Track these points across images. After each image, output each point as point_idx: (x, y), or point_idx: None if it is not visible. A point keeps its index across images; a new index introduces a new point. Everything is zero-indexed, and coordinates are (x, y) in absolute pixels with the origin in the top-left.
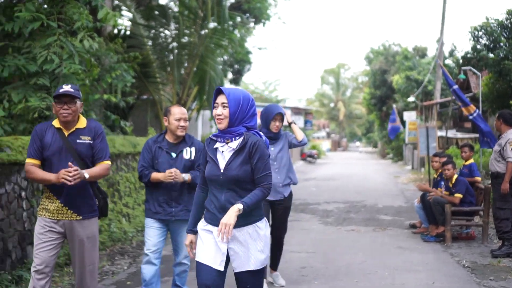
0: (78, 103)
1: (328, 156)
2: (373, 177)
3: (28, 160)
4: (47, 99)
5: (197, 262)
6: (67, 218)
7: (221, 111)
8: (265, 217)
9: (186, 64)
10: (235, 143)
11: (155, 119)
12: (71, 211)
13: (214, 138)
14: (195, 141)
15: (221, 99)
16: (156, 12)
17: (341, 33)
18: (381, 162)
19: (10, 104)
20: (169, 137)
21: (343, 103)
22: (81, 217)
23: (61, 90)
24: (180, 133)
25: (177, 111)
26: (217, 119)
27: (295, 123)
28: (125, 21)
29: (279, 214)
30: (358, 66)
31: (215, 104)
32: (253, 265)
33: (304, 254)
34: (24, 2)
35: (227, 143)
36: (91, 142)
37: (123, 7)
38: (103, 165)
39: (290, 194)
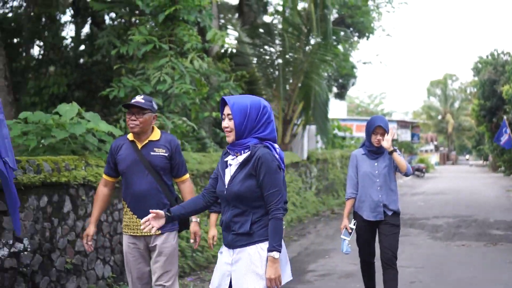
0: (148, 115)
1: (437, 170)
2: (484, 190)
3: (103, 176)
4: (160, 118)
5: None
6: (147, 233)
7: (227, 123)
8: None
9: (291, 80)
10: (243, 157)
11: None
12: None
13: (228, 151)
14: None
15: (226, 110)
16: (261, 30)
17: (447, 43)
18: (492, 176)
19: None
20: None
21: (452, 115)
22: (160, 231)
23: (132, 101)
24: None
25: None
26: (225, 131)
27: (396, 151)
28: (231, 39)
29: (384, 234)
30: (466, 76)
31: (223, 116)
32: None
33: (413, 269)
34: (137, 26)
35: (236, 157)
36: (166, 154)
37: (229, 26)
38: (187, 183)
39: (396, 213)
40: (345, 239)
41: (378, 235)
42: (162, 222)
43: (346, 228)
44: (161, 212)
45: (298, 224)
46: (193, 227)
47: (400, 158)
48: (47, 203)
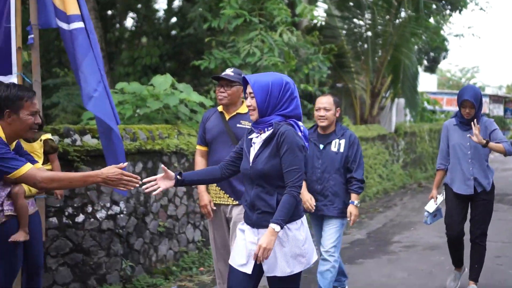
0: (236, 87)
1: None
2: None
3: (197, 147)
4: None
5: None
6: (224, 203)
7: (250, 102)
8: (302, 219)
9: (380, 53)
10: (266, 135)
11: (350, 107)
12: (227, 195)
13: (252, 128)
14: (347, 133)
15: (248, 88)
16: (351, 3)
17: None
18: None
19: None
20: (319, 128)
21: None
22: (237, 202)
23: (222, 74)
24: (320, 123)
25: (317, 101)
26: (249, 110)
27: (489, 142)
28: (320, 12)
29: (476, 210)
30: None
31: (245, 95)
32: (279, 271)
33: (499, 243)
34: (228, 0)
35: (260, 134)
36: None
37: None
38: None
39: (489, 189)
40: (428, 211)
41: (470, 211)
42: (170, 184)
43: (433, 199)
44: (171, 173)
45: (384, 196)
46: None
47: (496, 146)
48: (142, 169)
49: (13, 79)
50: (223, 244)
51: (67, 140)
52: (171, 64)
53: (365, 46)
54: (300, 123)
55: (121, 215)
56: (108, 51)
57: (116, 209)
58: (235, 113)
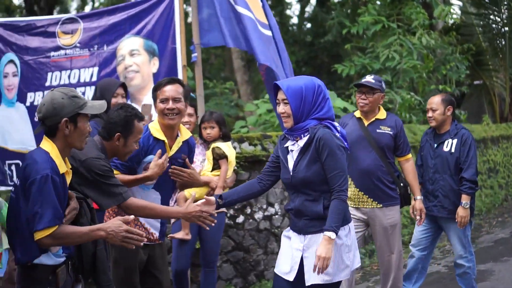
0: (377, 94)
1: None
2: None
3: None
4: (389, 93)
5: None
6: (367, 206)
7: (283, 109)
8: (349, 224)
9: None
10: (303, 141)
11: (489, 105)
12: (371, 199)
13: (287, 136)
14: (460, 132)
15: (280, 95)
16: (486, 0)
17: None
18: None
19: None
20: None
21: None
22: (381, 205)
23: (362, 81)
24: (430, 123)
25: (427, 101)
26: (282, 117)
27: None
28: (455, 10)
29: None
30: None
31: (276, 101)
32: (318, 278)
33: None
34: (366, 7)
35: (296, 141)
36: (391, 133)
37: None
38: (410, 162)
39: None
40: None
41: None
42: (211, 208)
43: None
44: (212, 199)
45: None
46: (418, 204)
47: None
48: None
49: None
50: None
51: None
52: (306, 69)
53: (503, 42)
54: (336, 124)
55: (276, 216)
56: (246, 59)
57: (271, 210)
58: (374, 118)
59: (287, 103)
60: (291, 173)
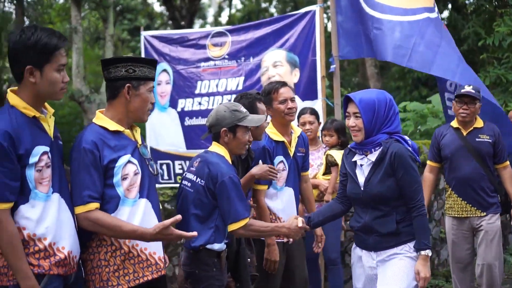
0: (478, 104)
1: None
2: None
3: (427, 162)
4: None
5: None
6: (471, 215)
7: (354, 122)
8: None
9: None
10: (374, 155)
11: None
12: (475, 208)
13: (353, 150)
14: None
15: (351, 108)
16: None
17: None
18: None
19: None
20: None
21: None
22: (485, 213)
23: (462, 91)
24: None
25: None
26: (351, 131)
27: None
28: None
29: None
30: None
31: (346, 114)
32: None
33: None
34: (503, 17)
35: (366, 156)
36: (490, 141)
37: None
38: (508, 169)
39: None
40: None
41: None
42: (304, 229)
43: None
44: (302, 219)
45: None
46: None
47: None
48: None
49: (318, 103)
50: (459, 256)
51: None
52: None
53: None
54: (406, 137)
55: None
56: (380, 66)
57: None
58: (472, 128)
59: (359, 116)
60: (362, 188)
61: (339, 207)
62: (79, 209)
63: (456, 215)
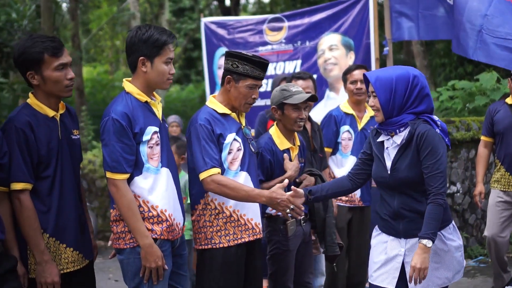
0: None
1: None
2: None
3: (482, 137)
4: None
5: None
6: None
7: (372, 102)
8: (453, 222)
9: None
10: (399, 137)
11: None
12: None
13: (379, 130)
14: None
15: (370, 86)
16: None
17: None
18: None
19: None
20: None
21: None
22: None
23: None
24: None
25: None
26: (373, 110)
27: None
28: None
29: None
30: None
31: (368, 93)
32: (425, 285)
33: None
34: None
35: (391, 137)
36: None
37: None
38: None
39: None
40: None
41: None
42: (301, 201)
43: None
44: (301, 191)
45: None
46: None
47: None
48: (475, 155)
49: None
50: (498, 225)
51: None
52: None
53: None
54: (435, 118)
55: (457, 194)
56: (425, 43)
57: (453, 188)
58: None
59: (376, 95)
60: (388, 172)
61: (347, 184)
62: (204, 174)
63: (502, 189)
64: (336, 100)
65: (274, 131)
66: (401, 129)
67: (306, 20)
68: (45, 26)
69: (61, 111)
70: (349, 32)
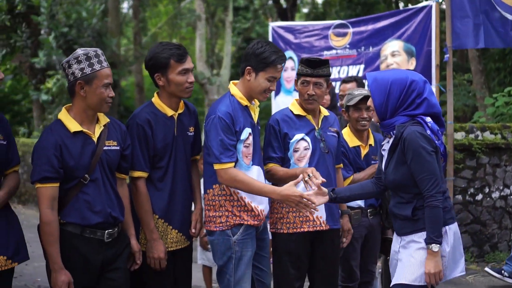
0: None
1: None
2: None
3: None
4: None
5: None
6: None
7: (370, 102)
8: (447, 226)
9: None
10: (392, 139)
11: None
12: None
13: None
14: None
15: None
16: None
17: None
18: None
19: None
20: None
21: None
22: None
23: None
24: None
25: None
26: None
27: None
28: None
29: None
30: None
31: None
32: (404, 278)
33: None
34: None
35: (389, 139)
36: None
37: None
38: None
39: None
40: None
41: None
42: (324, 200)
43: None
44: (325, 190)
45: None
46: None
47: None
48: None
49: (432, 89)
50: None
51: (471, 135)
52: None
53: None
54: (427, 119)
55: (511, 196)
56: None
57: (507, 191)
58: None
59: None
60: (383, 173)
61: (371, 187)
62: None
63: None
64: None
65: (346, 130)
66: (394, 131)
67: (370, 27)
68: (112, 24)
69: (180, 110)
70: (411, 39)
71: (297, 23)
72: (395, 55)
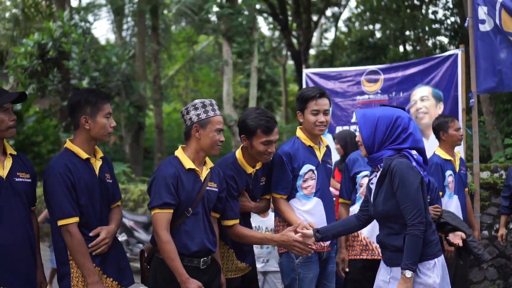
0: None
1: None
2: None
3: None
4: None
5: None
6: None
7: (358, 137)
8: (436, 259)
9: None
10: (379, 172)
11: None
12: None
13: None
14: None
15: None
16: None
17: None
18: None
19: None
20: None
21: None
22: None
23: None
24: None
25: None
26: (359, 146)
27: None
28: None
29: None
30: None
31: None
32: None
33: None
34: None
35: (376, 172)
36: None
37: None
38: None
39: None
40: None
41: None
42: (310, 240)
43: None
44: (310, 232)
45: None
46: None
47: None
48: None
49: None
50: None
51: (496, 174)
52: None
53: None
54: (413, 152)
55: None
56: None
57: None
58: None
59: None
60: (372, 206)
61: (354, 222)
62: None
63: None
64: (426, 145)
65: None
66: (381, 164)
67: (400, 74)
68: (139, 69)
69: (258, 166)
70: (439, 85)
71: (330, 69)
72: (424, 100)
